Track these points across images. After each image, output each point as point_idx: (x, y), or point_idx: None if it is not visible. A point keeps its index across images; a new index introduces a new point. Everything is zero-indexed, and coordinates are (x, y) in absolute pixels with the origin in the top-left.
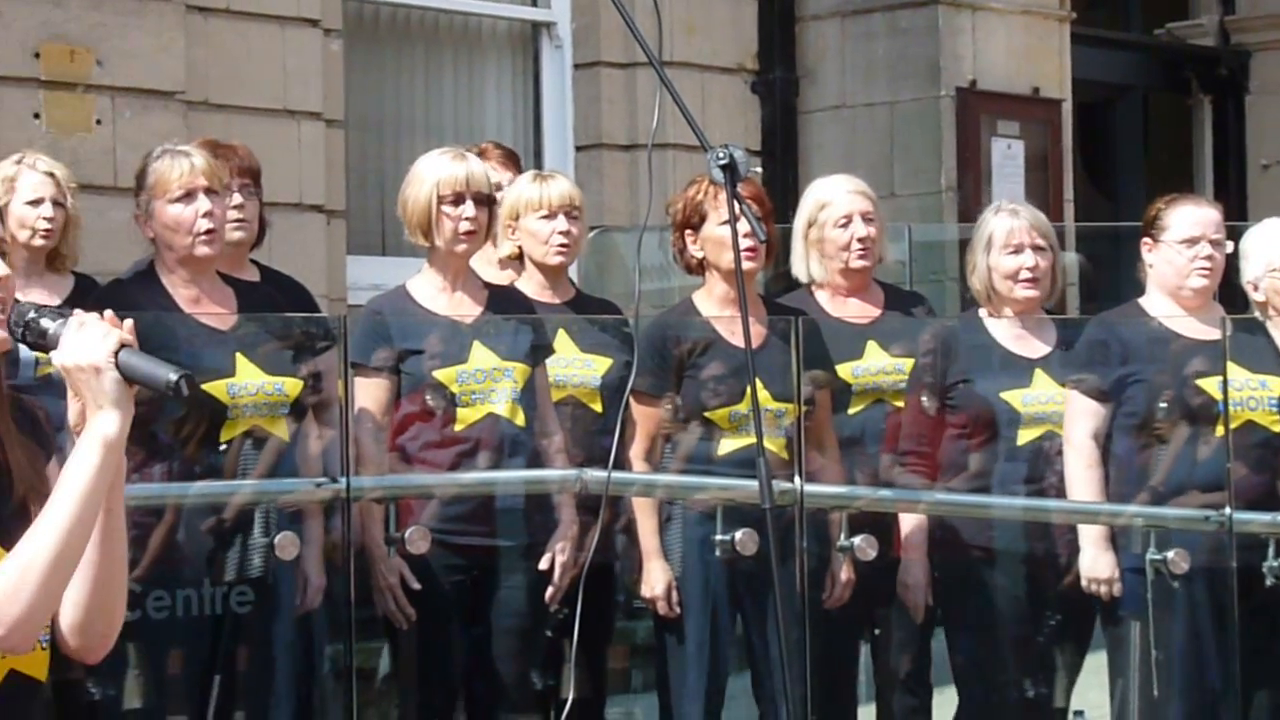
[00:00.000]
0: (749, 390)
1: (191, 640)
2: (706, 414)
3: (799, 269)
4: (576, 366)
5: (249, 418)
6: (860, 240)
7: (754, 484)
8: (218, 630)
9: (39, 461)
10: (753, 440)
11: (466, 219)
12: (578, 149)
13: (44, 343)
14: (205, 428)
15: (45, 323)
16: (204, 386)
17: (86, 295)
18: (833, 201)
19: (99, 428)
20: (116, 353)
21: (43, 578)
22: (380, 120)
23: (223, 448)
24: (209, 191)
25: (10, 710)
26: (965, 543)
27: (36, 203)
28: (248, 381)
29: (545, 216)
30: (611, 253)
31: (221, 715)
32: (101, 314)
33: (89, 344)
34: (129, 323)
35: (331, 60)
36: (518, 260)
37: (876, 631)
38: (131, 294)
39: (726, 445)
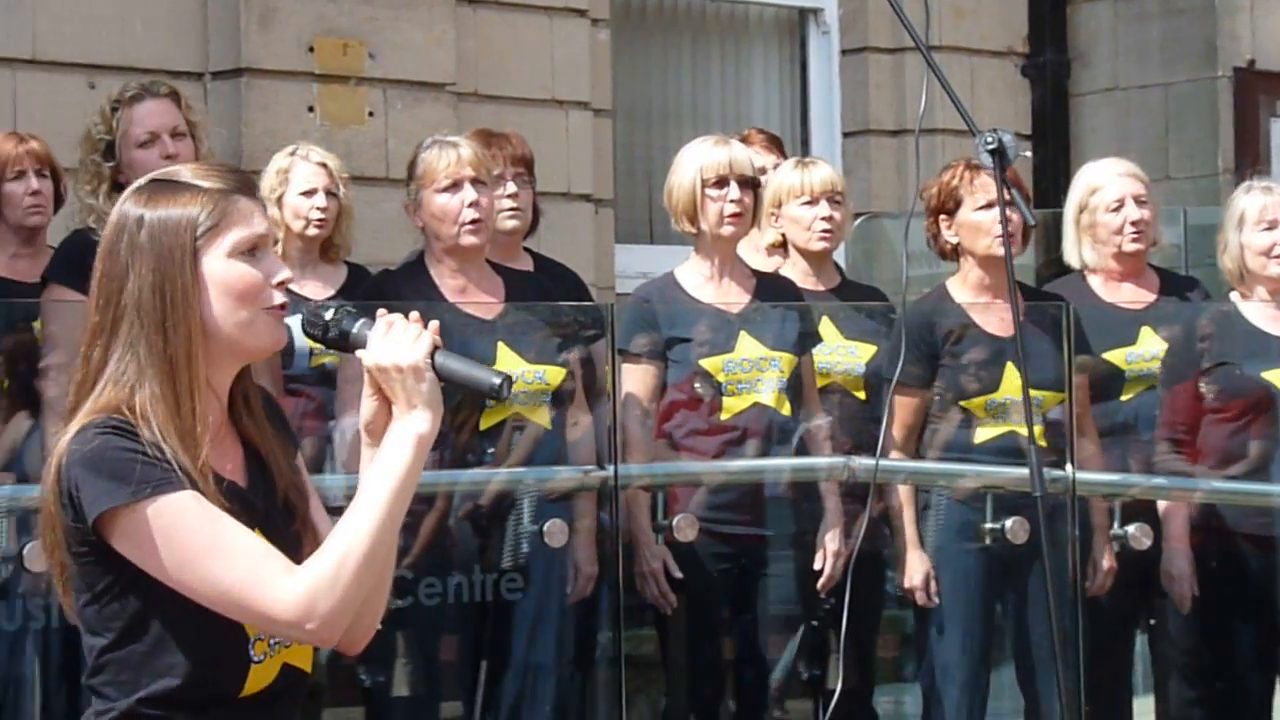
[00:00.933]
0: (1006, 377)
1: (462, 627)
2: (963, 402)
3: (1071, 254)
4: (840, 354)
5: (510, 406)
6: (1133, 224)
7: (1019, 471)
8: (487, 617)
9: (294, 457)
10: (1010, 428)
11: (731, 201)
12: (845, 135)
13: (346, 343)
14: (476, 416)
15: (347, 323)
16: None
17: (358, 285)
18: (1104, 185)
19: (412, 426)
20: (432, 354)
21: (356, 573)
22: (648, 109)
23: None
24: (475, 182)
25: (285, 702)
26: (1231, 530)
27: (310, 193)
28: (505, 369)
29: (807, 203)
30: (879, 239)
31: (491, 702)
32: (406, 314)
33: (403, 346)
34: (435, 324)
35: (599, 50)
36: (780, 248)
37: (1152, 621)
38: (399, 284)
39: (983, 433)
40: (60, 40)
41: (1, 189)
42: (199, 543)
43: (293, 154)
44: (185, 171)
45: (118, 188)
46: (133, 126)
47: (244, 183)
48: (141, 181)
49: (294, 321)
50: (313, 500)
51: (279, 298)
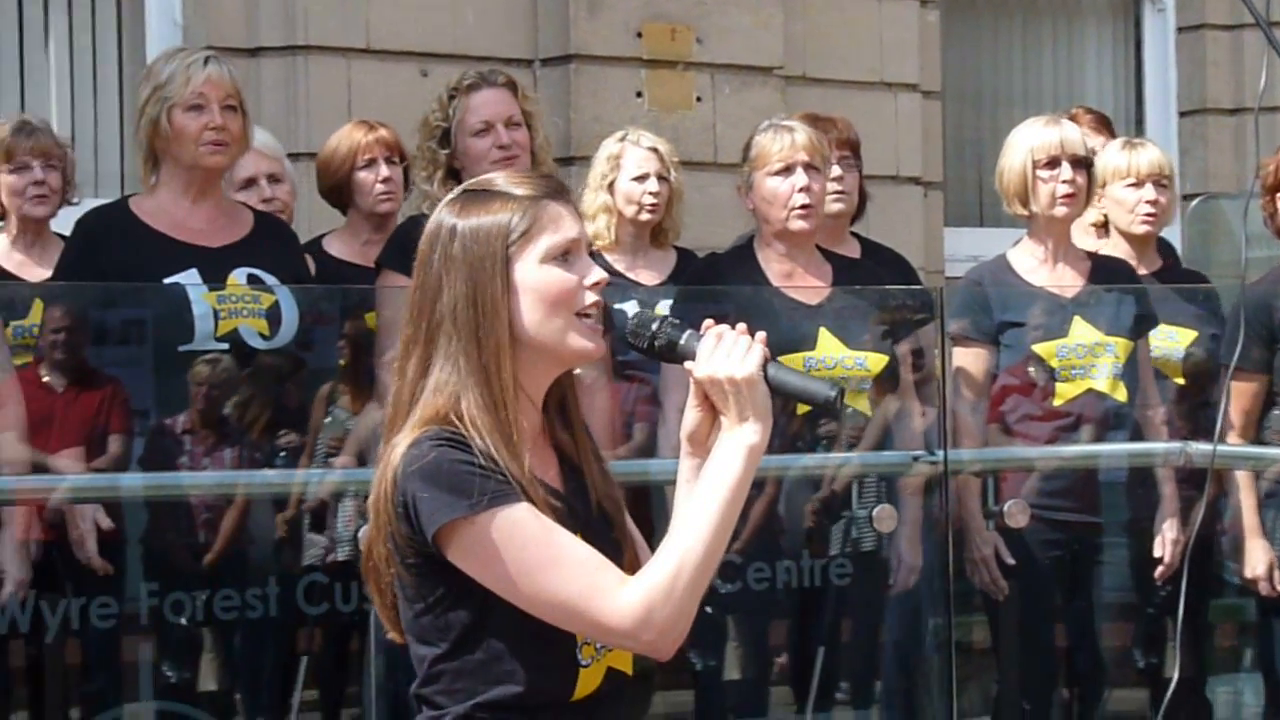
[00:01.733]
0: None
1: (791, 612)
2: None
3: None
4: (1160, 338)
5: None
6: None
7: None
8: (817, 602)
9: (604, 464)
10: None
11: (1064, 182)
12: (1181, 114)
13: (673, 354)
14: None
15: (674, 334)
16: (780, 359)
17: (686, 270)
18: None
19: (744, 438)
20: (764, 366)
21: (691, 584)
22: (978, 91)
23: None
24: (809, 167)
25: (610, 705)
26: None
27: (642, 178)
28: (826, 355)
29: (1133, 184)
30: (1217, 220)
31: (826, 688)
32: (733, 325)
33: (735, 358)
34: (762, 335)
35: (928, 31)
36: (1102, 228)
37: None
38: (726, 268)
39: None
40: (393, 30)
41: (353, 177)
42: (536, 555)
43: (623, 139)
44: (499, 179)
45: (453, 174)
46: (469, 115)
47: (556, 188)
48: (456, 191)
49: (629, 306)
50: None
51: (591, 297)
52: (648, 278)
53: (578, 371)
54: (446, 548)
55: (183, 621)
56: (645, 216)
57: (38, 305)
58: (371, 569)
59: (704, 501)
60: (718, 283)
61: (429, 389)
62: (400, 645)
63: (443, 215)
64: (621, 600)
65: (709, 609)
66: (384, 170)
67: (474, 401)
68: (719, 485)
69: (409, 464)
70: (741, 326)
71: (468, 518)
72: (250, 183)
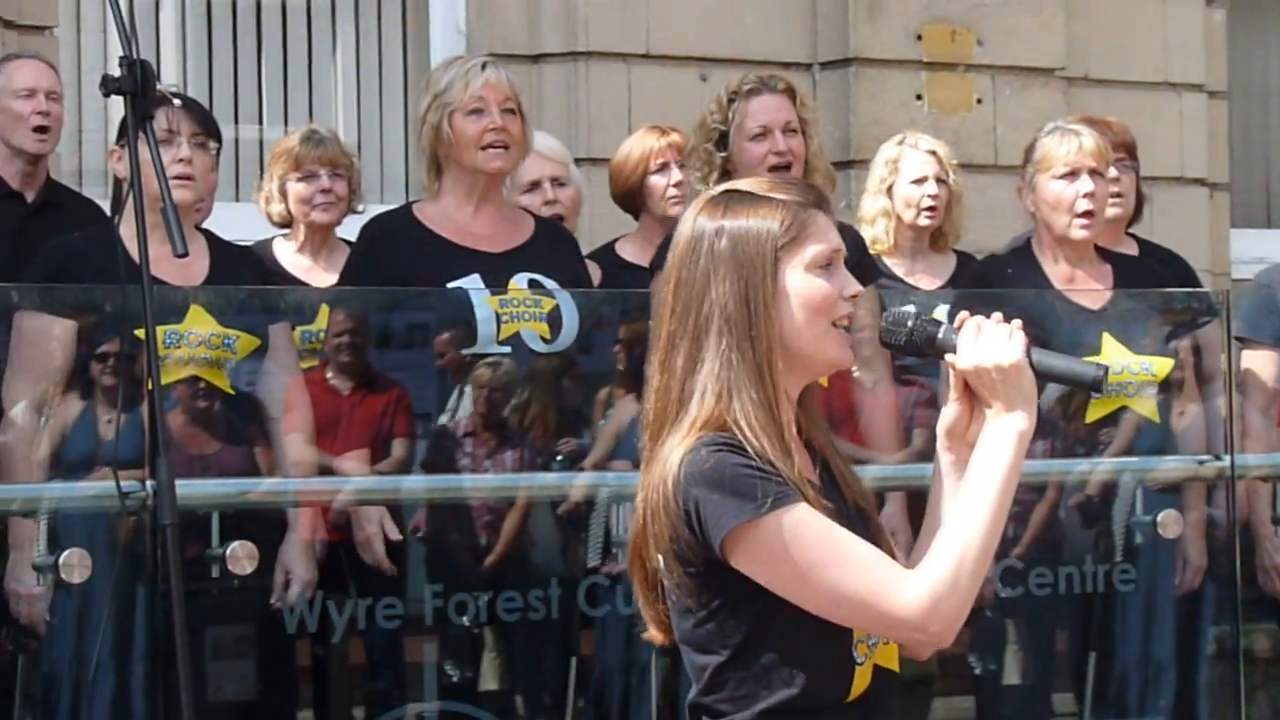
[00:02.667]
0: None
1: (1072, 617)
2: None
3: None
4: None
5: (1119, 398)
6: None
7: None
8: (1098, 608)
9: (850, 463)
10: None
11: None
12: None
13: (933, 348)
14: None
15: (931, 328)
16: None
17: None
18: None
19: (1013, 425)
20: (1027, 351)
21: (973, 573)
22: (1264, 90)
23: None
24: (1094, 173)
25: (885, 703)
26: None
27: (920, 181)
28: (1111, 361)
29: None
30: None
31: (1101, 694)
32: (987, 314)
33: (1000, 345)
34: (1018, 320)
35: (1214, 31)
36: None
37: None
38: (1005, 270)
39: None
40: (673, 34)
41: (645, 181)
42: (821, 554)
43: (901, 143)
44: (758, 185)
45: (726, 177)
46: (747, 119)
47: (819, 198)
48: (714, 193)
49: (908, 309)
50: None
51: (847, 309)
52: (926, 282)
53: (856, 374)
54: (732, 553)
55: (465, 622)
56: (924, 220)
57: (324, 310)
58: (637, 568)
59: (979, 490)
60: (997, 285)
61: (699, 386)
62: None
63: (703, 218)
64: (908, 593)
65: (989, 613)
66: (675, 174)
67: (748, 400)
68: (993, 473)
69: (690, 470)
70: (997, 316)
71: (754, 521)
72: (534, 186)
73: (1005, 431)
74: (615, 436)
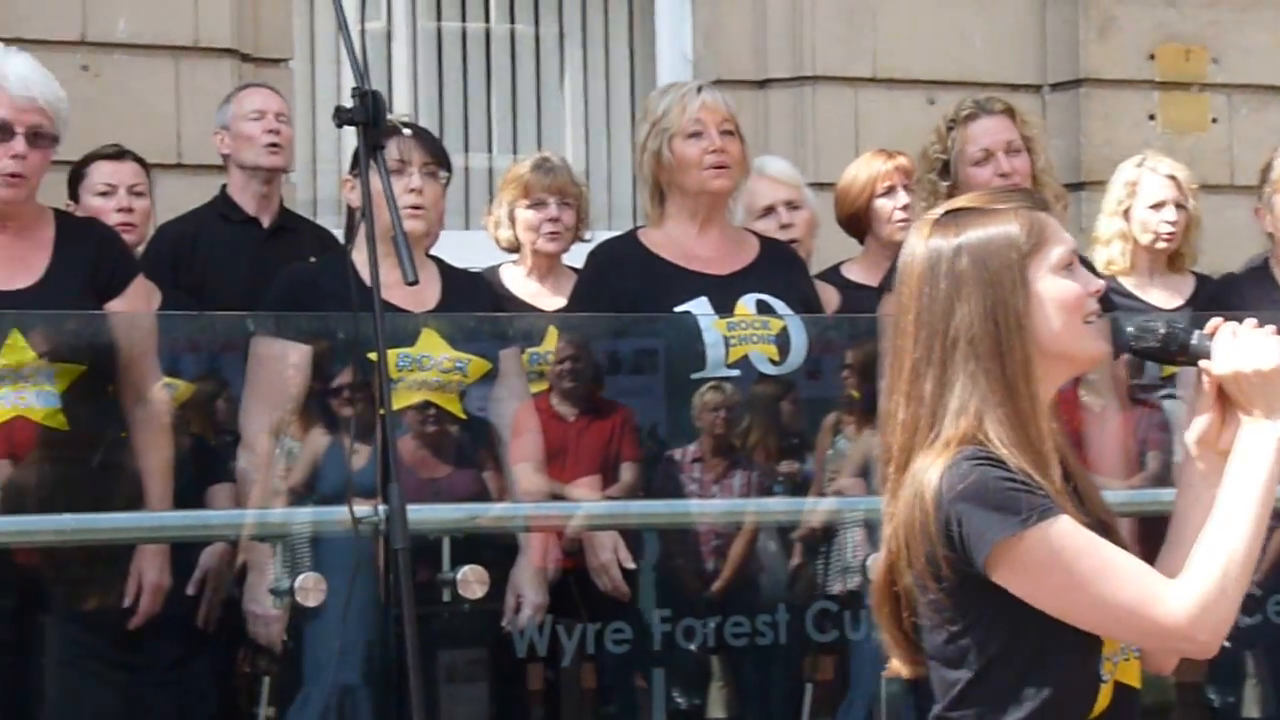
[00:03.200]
0: None
1: None
2: None
3: None
4: None
5: None
6: None
7: None
8: None
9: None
10: None
11: None
12: None
13: (1185, 355)
14: None
15: (1183, 335)
16: None
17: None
18: None
19: (1274, 431)
20: None
21: (1238, 581)
22: None
23: None
24: None
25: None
26: None
27: (1159, 206)
28: None
29: None
30: None
31: None
32: (1239, 320)
33: (1258, 350)
34: (1271, 326)
35: None
36: None
37: None
38: (1242, 288)
39: None
40: (900, 58)
41: (872, 204)
42: (1086, 565)
43: (1140, 165)
44: (979, 200)
45: None
46: (968, 145)
47: (1040, 200)
48: (937, 214)
49: (1158, 325)
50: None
51: (1093, 304)
52: (1163, 301)
53: (1084, 399)
54: (995, 567)
55: (693, 648)
56: (1161, 245)
57: (552, 333)
58: (888, 597)
59: (1239, 497)
60: (1234, 304)
61: (951, 411)
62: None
63: (935, 237)
64: (1175, 602)
65: (1227, 643)
66: (902, 198)
67: (999, 419)
68: (1254, 479)
69: (951, 485)
70: (1251, 321)
71: (1018, 535)
72: (768, 211)
73: (1266, 436)
74: (848, 460)
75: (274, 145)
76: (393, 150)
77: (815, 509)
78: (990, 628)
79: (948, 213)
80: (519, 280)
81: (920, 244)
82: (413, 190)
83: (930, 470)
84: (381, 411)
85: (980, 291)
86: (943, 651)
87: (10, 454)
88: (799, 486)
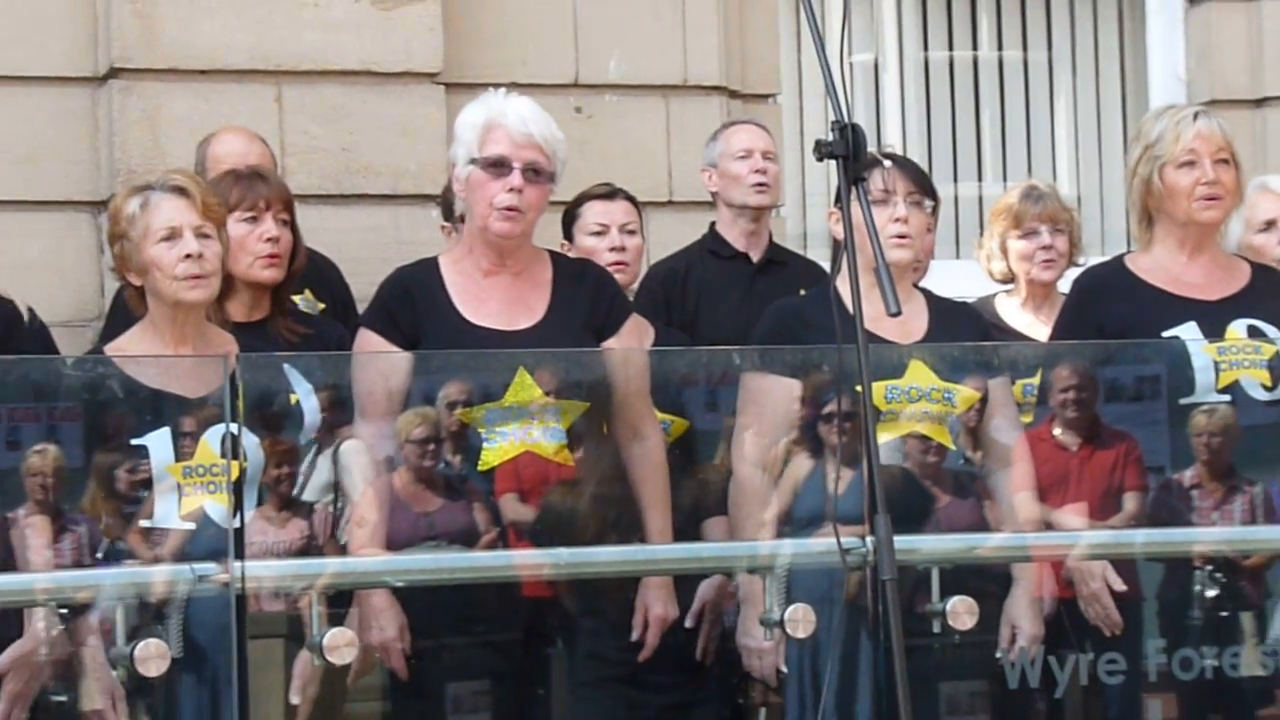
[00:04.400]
0: None
1: None
2: None
3: None
4: None
5: None
6: None
7: None
8: None
9: None
10: None
11: None
12: None
13: None
14: None
15: None
16: None
17: None
18: None
19: None
20: None
21: None
22: None
23: None
24: None
25: None
26: None
27: None
28: None
29: None
30: None
31: None
32: None
33: None
34: None
35: None
36: None
37: None
38: None
39: None
40: None
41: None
42: None
43: None
44: None
45: None
46: None
47: None
48: None
49: None
50: None
51: None
52: None
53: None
54: None
55: (1189, 678)
56: None
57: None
58: None
59: None
60: None
61: None
62: None
63: None
64: None
65: None
66: None
67: None
68: None
69: None
70: None
71: None
72: (1269, 225)
73: None
74: None
75: (761, 184)
76: (877, 181)
77: None
78: None
79: None
80: (1013, 311)
81: None
82: (897, 220)
83: None
84: (867, 443)
85: None
86: None
87: (519, 489)
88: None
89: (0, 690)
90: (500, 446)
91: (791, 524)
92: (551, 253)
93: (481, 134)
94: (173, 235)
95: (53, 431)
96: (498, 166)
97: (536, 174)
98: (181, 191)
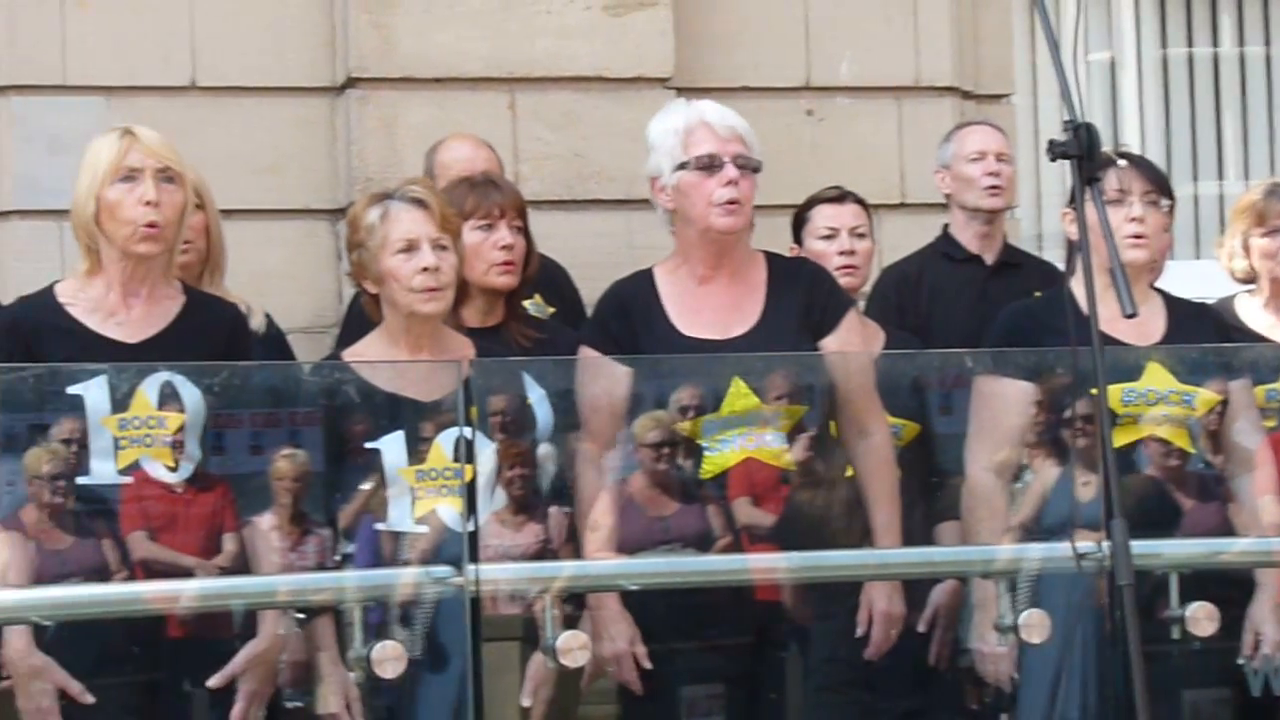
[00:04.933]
0: None
1: None
2: None
3: None
4: None
5: None
6: None
7: None
8: None
9: None
10: None
11: None
12: None
13: None
14: None
15: None
16: None
17: None
18: None
19: None
20: None
21: None
22: None
23: None
24: None
25: None
26: None
27: None
28: None
29: None
30: None
31: None
32: None
33: None
34: None
35: None
36: None
37: None
38: None
39: None
40: None
41: None
42: None
43: None
44: None
45: None
46: None
47: None
48: None
49: None
50: None
51: None
52: None
53: None
54: None
55: None
56: None
57: None
58: None
59: None
60: None
61: None
62: None
63: None
64: None
65: None
66: None
67: None
68: None
69: None
70: None
71: None
72: None
73: None
74: None
75: (994, 187)
76: (1112, 180)
77: None
78: None
79: None
80: (1254, 311)
81: None
82: (1133, 219)
83: None
84: (1103, 447)
85: None
86: None
87: (751, 493)
88: None
89: (237, 689)
90: (721, 454)
91: (1040, 530)
92: (767, 253)
93: (684, 138)
94: (410, 247)
95: (293, 436)
96: (710, 164)
97: (746, 166)
98: (420, 203)
